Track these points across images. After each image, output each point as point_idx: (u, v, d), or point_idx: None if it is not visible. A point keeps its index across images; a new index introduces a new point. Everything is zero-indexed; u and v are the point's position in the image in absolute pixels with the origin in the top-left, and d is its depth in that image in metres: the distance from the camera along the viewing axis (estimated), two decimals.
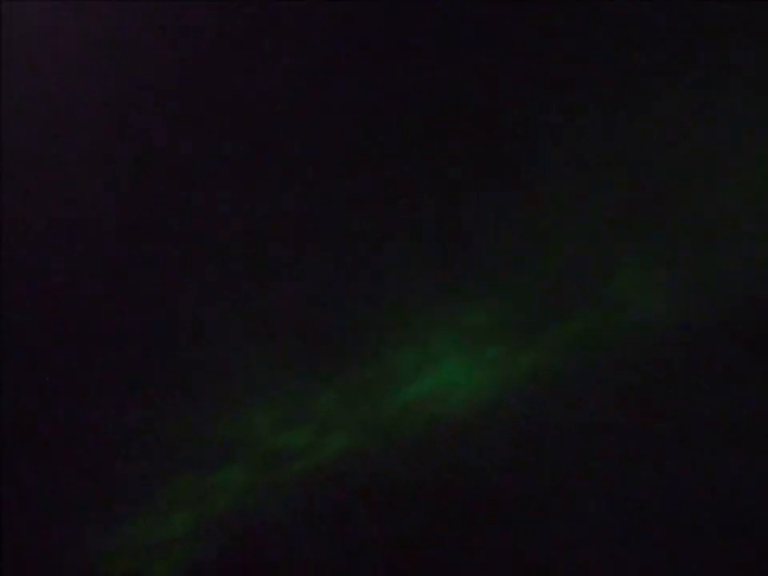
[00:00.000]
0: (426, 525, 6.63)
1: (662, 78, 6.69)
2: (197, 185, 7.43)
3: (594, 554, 6.38)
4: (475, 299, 6.89)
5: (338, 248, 7.18)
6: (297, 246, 7.26)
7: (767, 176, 6.58)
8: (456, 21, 7.12)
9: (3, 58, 7.70)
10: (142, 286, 7.32)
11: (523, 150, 6.97)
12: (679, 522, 6.30)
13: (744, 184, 6.61)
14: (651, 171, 6.71)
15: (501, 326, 6.83)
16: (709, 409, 6.41)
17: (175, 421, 7.04)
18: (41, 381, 7.23)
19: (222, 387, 7.09)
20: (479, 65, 7.04)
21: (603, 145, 6.74)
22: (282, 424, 6.97)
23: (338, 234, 7.18)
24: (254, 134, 7.49)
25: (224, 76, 7.50)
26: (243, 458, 6.97)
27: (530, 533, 6.49)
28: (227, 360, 7.16)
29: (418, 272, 7.00)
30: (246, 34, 7.54)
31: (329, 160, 7.33)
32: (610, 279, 6.67)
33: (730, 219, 6.59)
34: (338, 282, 7.10)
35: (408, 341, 6.95)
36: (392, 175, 7.16)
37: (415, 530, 6.62)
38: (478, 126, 7.08)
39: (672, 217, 6.67)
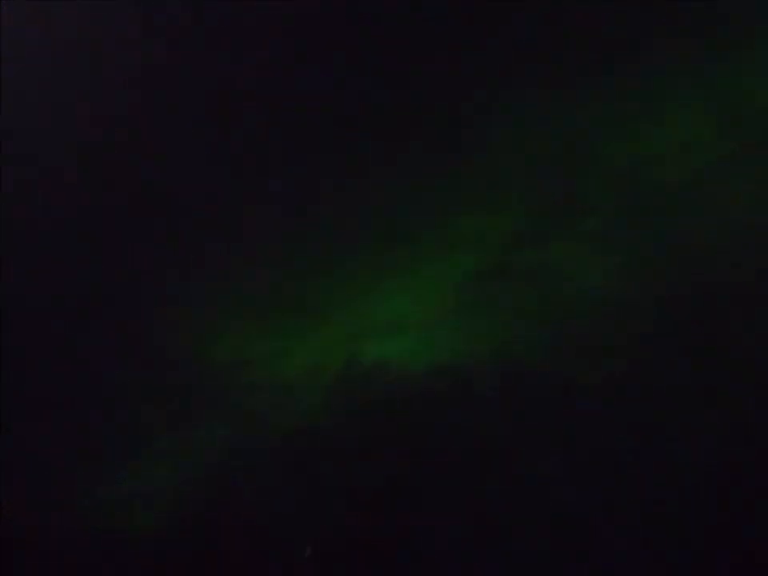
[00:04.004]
0: (389, 476, 7.08)
1: (594, 72, 7.37)
2: (176, 167, 7.97)
3: (544, 504, 6.84)
4: (433, 272, 7.50)
5: (306, 226, 7.76)
6: (268, 225, 7.83)
7: (700, 162, 7.24)
8: (401, 16, 7.73)
9: (3, 57, 8.21)
10: (130, 262, 7.84)
11: (474, 140, 7.63)
12: (619, 476, 6.78)
13: (679, 169, 7.28)
14: (588, 155, 7.38)
15: (457, 297, 7.44)
16: (642, 372, 6.94)
17: (160, 382, 7.50)
18: (36, 345, 7.64)
19: (201, 352, 7.58)
20: (429, 60, 7.66)
21: (545, 132, 7.40)
22: (257, 385, 7.48)
23: (305, 213, 7.77)
24: (224, 121, 8.06)
25: (204, 67, 8.09)
26: (223, 417, 7.44)
27: (485, 484, 6.96)
28: (206, 328, 7.67)
29: (382, 248, 7.60)
30: (224, 30, 8.15)
31: (294, 146, 7.92)
32: (547, 254, 7.29)
33: (666, 202, 7.25)
34: (308, 257, 7.67)
35: (373, 309, 7.52)
36: (345, 168, 7.78)
37: (379, 481, 7.09)
38: (429, 124, 7.74)
39: (608, 199, 7.34)
